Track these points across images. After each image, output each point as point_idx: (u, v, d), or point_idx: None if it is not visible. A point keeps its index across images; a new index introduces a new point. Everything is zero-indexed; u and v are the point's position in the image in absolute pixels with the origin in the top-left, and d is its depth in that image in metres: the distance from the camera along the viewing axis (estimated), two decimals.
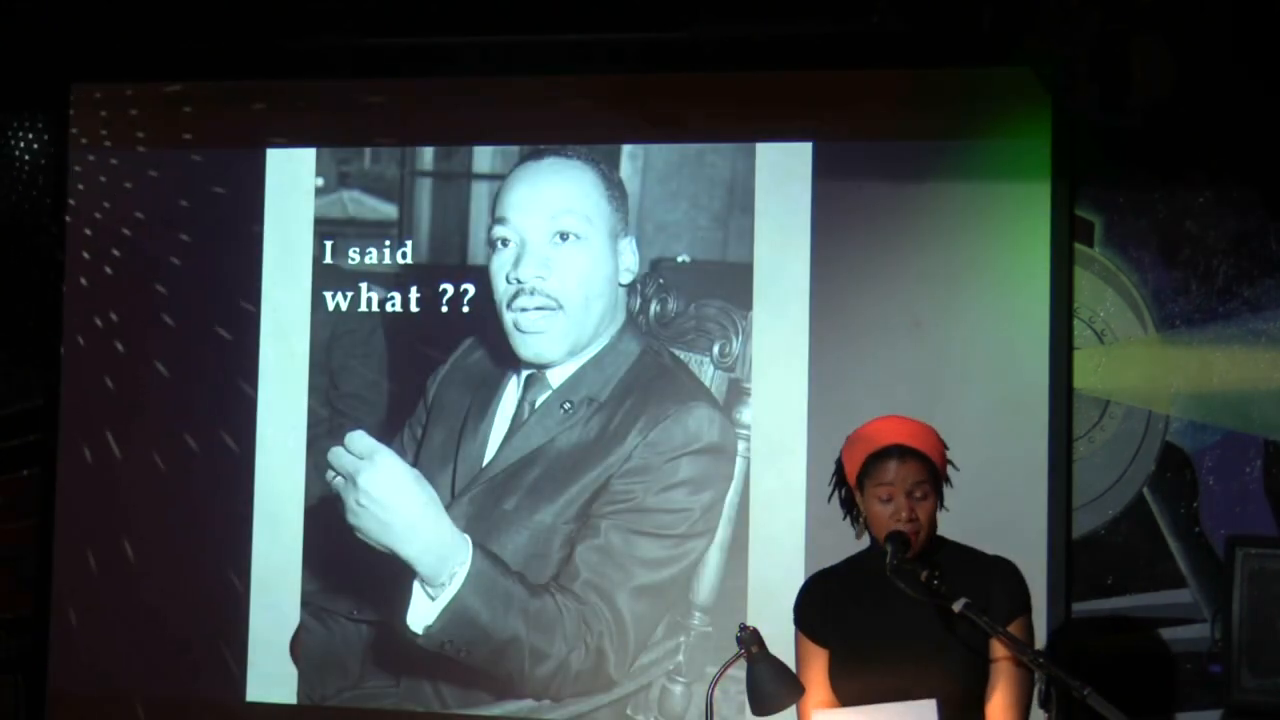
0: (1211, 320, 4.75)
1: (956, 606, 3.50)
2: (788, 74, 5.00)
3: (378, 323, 5.24)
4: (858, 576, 3.73)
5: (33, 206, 5.61)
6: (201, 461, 5.31)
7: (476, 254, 5.18)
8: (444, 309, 5.19)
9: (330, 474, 5.14)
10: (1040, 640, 3.80)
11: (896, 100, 4.91)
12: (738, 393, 4.95)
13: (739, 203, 5.01)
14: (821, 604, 3.78)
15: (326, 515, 5.18)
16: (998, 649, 3.61)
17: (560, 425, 5.03)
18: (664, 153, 5.07)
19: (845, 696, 3.71)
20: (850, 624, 3.71)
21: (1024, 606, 3.70)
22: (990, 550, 3.78)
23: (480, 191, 5.20)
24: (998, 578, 3.70)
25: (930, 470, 3.65)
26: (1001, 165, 4.83)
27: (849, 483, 3.74)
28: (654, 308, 5.03)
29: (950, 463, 3.75)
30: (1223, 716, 4.38)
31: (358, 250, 5.27)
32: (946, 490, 3.73)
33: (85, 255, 5.46)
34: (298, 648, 5.22)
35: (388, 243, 5.26)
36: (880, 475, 3.65)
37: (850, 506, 3.76)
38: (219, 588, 5.26)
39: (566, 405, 5.03)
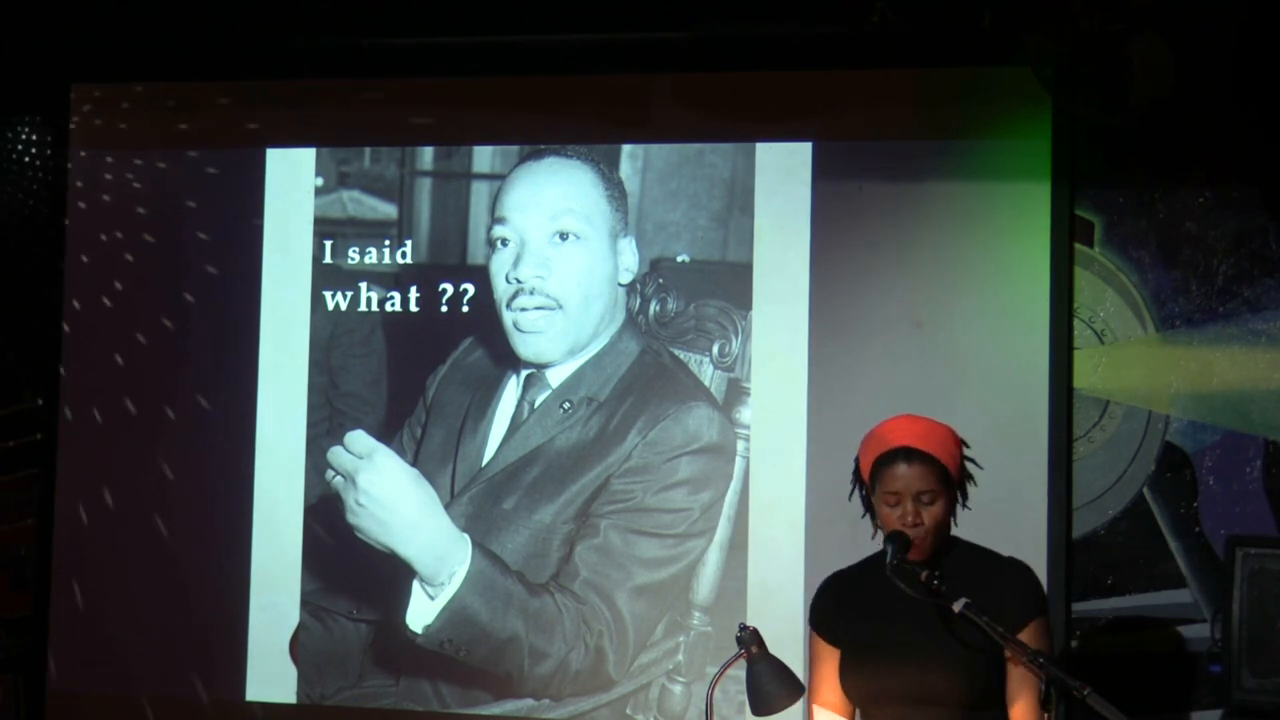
0: (1211, 320, 4.75)
1: (956, 607, 3.50)
2: (788, 74, 5.00)
3: (377, 322, 5.24)
4: (871, 577, 3.72)
5: (33, 206, 5.61)
6: (201, 461, 5.31)
7: (476, 254, 5.18)
8: (444, 309, 5.19)
9: (330, 473, 5.14)
10: (1050, 631, 3.79)
11: (896, 100, 4.92)
12: (737, 392, 4.95)
13: (739, 202, 5.01)
14: (835, 604, 3.78)
15: (326, 515, 5.19)
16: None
17: (560, 425, 5.03)
18: (664, 153, 5.07)
19: (855, 695, 3.72)
20: (862, 624, 3.71)
21: (1038, 610, 3.68)
22: (990, 550, 3.78)
23: (480, 191, 5.20)
24: (1011, 582, 3.69)
25: (939, 472, 3.64)
26: (1001, 165, 4.84)
27: (865, 481, 3.74)
28: (654, 307, 5.03)
29: (972, 460, 3.74)
30: (1223, 716, 4.38)
31: (357, 250, 5.27)
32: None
33: (85, 256, 5.46)
34: (297, 647, 5.22)
35: (387, 242, 5.26)
36: (887, 479, 3.65)
37: (870, 505, 3.76)
38: (219, 587, 5.26)
39: (566, 405, 5.03)
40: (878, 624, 3.69)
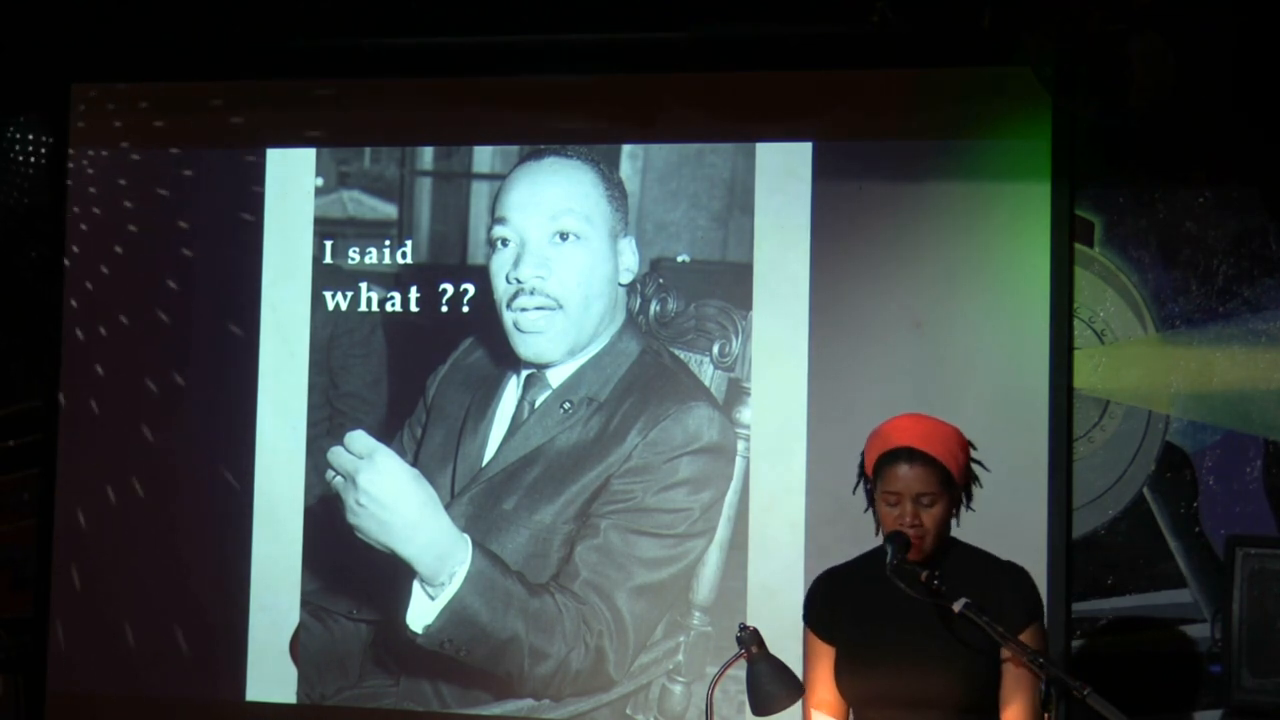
0: (1211, 320, 4.75)
1: (956, 607, 3.50)
2: (788, 74, 5.00)
3: (377, 323, 5.24)
4: (867, 575, 3.72)
5: (33, 206, 5.61)
6: (201, 461, 5.31)
7: (476, 254, 5.18)
8: (444, 309, 5.19)
9: (330, 474, 5.14)
10: (1046, 637, 3.80)
11: (896, 100, 4.92)
12: (737, 392, 4.95)
13: (739, 202, 5.01)
14: (830, 601, 3.77)
15: (326, 515, 5.19)
16: (1007, 650, 3.60)
17: (560, 425, 5.03)
18: (664, 153, 5.07)
19: (850, 696, 3.71)
20: (857, 622, 3.70)
21: (1036, 614, 3.68)
22: (990, 550, 3.78)
23: (480, 191, 5.20)
24: (1010, 585, 3.68)
25: (941, 474, 3.63)
26: (1001, 165, 4.84)
27: (868, 477, 3.74)
28: (654, 307, 5.03)
29: (978, 462, 3.74)
30: (1223, 716, 4.38)
31: (358, 250, 5.27)
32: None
33: (85, 255, 5.46)
34: (297, 647, 5.22)
35: (387, 243, 5.26)
36: (889, 478, 3.64)
37: (873, 502, 3.75)
38: (219, 587, 5.26)
39: (566, 405, 5.03)
40: (876, 624, 3.68)
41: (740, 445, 4.94)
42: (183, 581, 5.30)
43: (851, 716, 3.77)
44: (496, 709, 5.06)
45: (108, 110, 5.48)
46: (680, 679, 4.95)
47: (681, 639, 4.96)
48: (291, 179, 5.32)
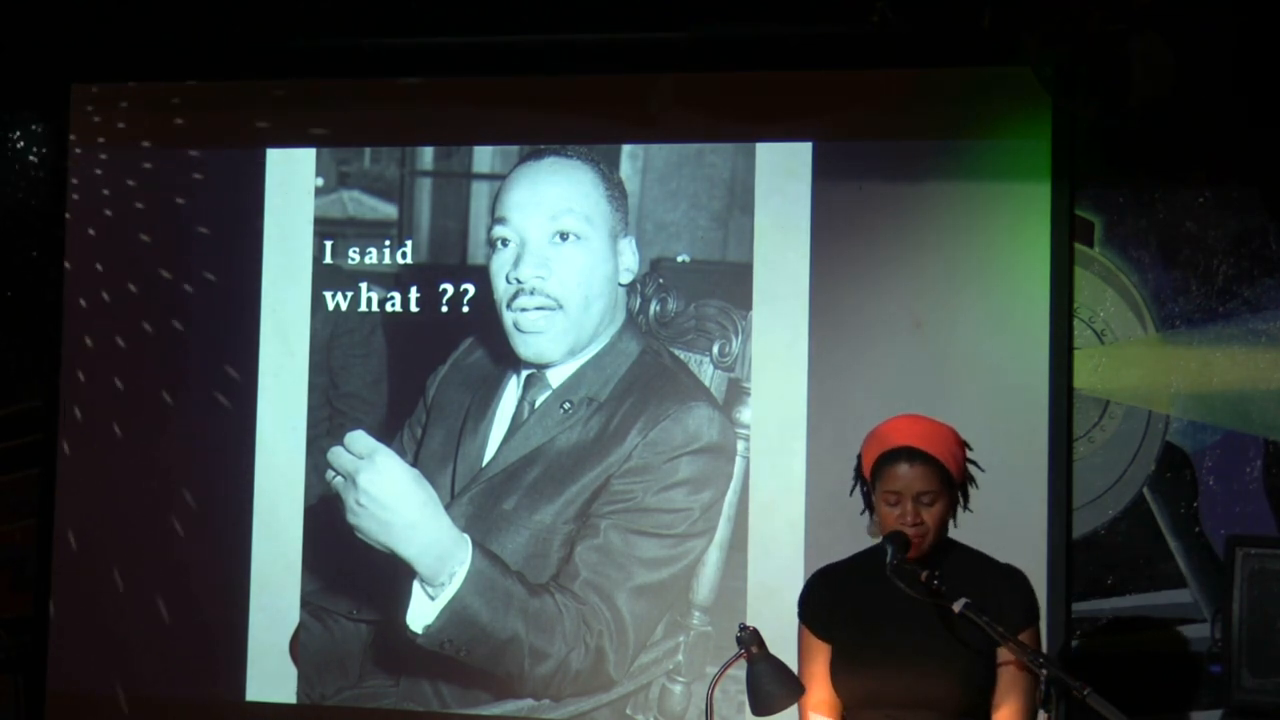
0: (1211, 320, 4.75)
1: (956, 606, 3.50)
2: (788, 74, 5.01)
3: (378, 323, 5.24)
4: (864, 573, 3.73)
5: (33, 206, 5.61)
6: (201, 461, 5.31)
7: (476, 254, 5.18)
8: (444, 309, 5.19)
9: (330, 474, 5.14)
10: (1041, 641, 3.81)
11: (896, 100, 4.92)
12: (737, 392, 4.95)
13: (739, 202, 5.01)
14: (827, 599, 3.77)
15: (326, 515, 5.18)
16: (1003, 653, 3.60)
17: (560, 425, 5.03)
18: (664, 153, 5.07)
19: (846, 694, 3.71)
20: (854, 620, 3.71)
21: (1034, 617, 3.70)
22: (989, 549, 3.78)
23: (480, 191, 5.20)
24: (1008, 587, 3.69)
25: (941, 474, 3.64)
26: (1001, 165, 4.84)
27: (866, 478, 3.74)
28: (654, 307, 5.03)
29: (974, 462, 3.74)
30: (1223, 716, 4.38)
31: (358, 250, 5.27)
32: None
33: (85, 255, 5.46)
34: (297, 647, 5.22)
35: (387, 243, 5.26)
36: (889, 478, 3.65)
37: (870, 503, 3.76)
38: (219, 587, 5.26)
39: (566, 405, 5.03)
40: (875, 624, 3.68)
41: (740, 445, 4.94)
42: (183, 581, 5.30)
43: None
44: (496, 709, 5.06)
45: (107, 110, 5.48)
46: (680, 679, 4.95)
47: (681, 639, 4.96)
48: (291, 179, 5.32)
